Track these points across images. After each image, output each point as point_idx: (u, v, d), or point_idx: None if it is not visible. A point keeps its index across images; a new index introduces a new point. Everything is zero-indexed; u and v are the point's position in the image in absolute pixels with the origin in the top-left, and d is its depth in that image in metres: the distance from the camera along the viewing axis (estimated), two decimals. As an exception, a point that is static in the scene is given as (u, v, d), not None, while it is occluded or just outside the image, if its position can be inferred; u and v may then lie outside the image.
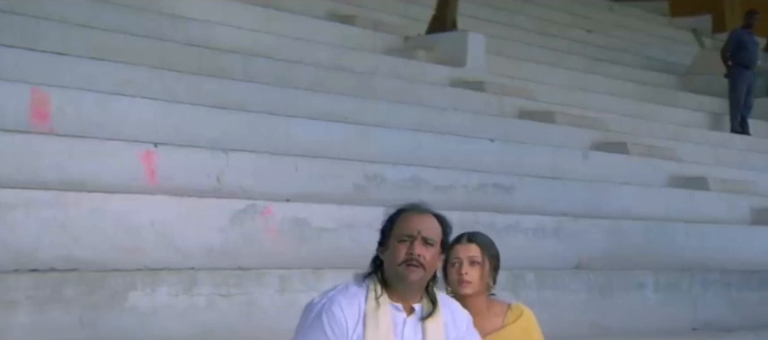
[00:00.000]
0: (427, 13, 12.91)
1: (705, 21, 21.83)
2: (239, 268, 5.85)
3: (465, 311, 3.75)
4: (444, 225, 3.63)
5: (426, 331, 3.54)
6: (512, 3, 17.44)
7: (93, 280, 5.12)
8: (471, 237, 4.14)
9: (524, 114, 11.33)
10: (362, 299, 3.51)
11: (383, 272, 3.55)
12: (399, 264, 3.49)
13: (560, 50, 15.48)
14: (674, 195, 10.65)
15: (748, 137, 14.65)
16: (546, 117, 11.24)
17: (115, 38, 8.37)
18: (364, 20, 12.36)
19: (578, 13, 18.63)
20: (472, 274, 4.04)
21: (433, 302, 3.59)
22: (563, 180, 9.49)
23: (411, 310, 3.56)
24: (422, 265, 3.50)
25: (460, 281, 4.02)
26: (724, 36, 17.59)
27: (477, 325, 3.83)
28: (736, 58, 15.01)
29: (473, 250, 4.08)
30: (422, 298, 3.59)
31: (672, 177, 11.26)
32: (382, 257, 3.57)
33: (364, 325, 3.46)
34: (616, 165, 10.62)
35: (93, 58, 7.74)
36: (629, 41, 18.11)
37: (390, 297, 3.53)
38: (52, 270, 5.17)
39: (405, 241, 3.50)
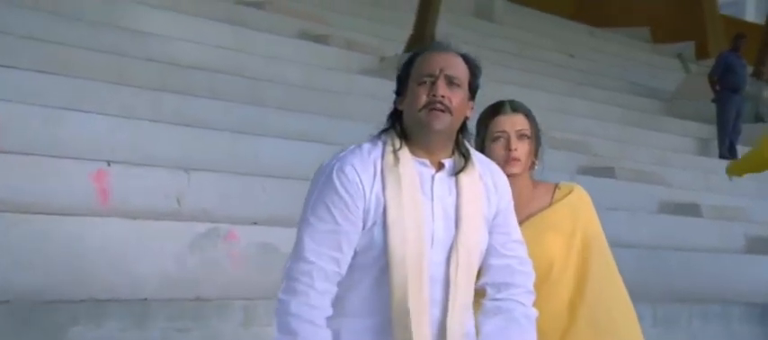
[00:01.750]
0: (404, 33, 12.53)
1: (688, 47, 21.62)
2: (198, 299, 5.30)
3: (505, 178, 3.20)
4: (472, 65, 3.10)
5: (461, 187, 3.04)
6: (491, 25, 17.12)
7: (28, 312, 4.55)
8: (516, 106, 3.59)
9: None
10: (378, 156, 3.01)
11: (403, 126, 3.05)
12: (421, 110, 2.98)
13: (542, 73, 15.08)
14: (664, 222, 10.20)
15: (736, 163, 14.23)
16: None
17: (68, 51, 7.87)
18: (338, 39, 12.00)
19: (559, 38, 18.29)
20: (521, 150, 3.50)
21: (466, 157, 3.08)
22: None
23: (440, 166, 3.05)
24: (448, 109, 2.97)
25: (508, 160, 3.48)
26: (708, 62, 17.32)
27: (519, 207, 3.34)
28: (725, 82, 14.63)
29: (520, 121, 3.54)
30: (453, 152, 3.07)
31: (662, 203, 10.83)
32: (400, 107, 3.06)
33: (383, 181, 2.97)
34: (604, 189, 10.11)
35: (43, 71, 7.21)
36: (612, 66, 17.78)
37: (413, 152, 3.03)
38: (-17, 301, 4.60)
39: (425, 82, 3.00)
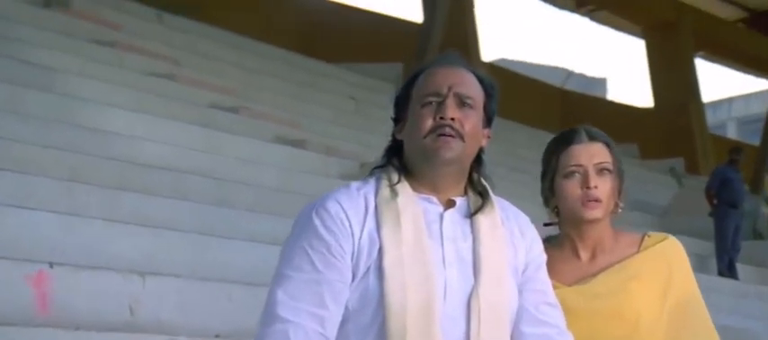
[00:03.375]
0: (385, 141, 11.93)
1: (678, 163, 21.31)
2: None
3: (532, 226, 2.67)
4: (486, 84, 2.58)
5: (479, 231, 2.52)
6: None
7: None
8: (594, 133, 2.93)
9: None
10: (371, 191, 2.53)
11: (402, 159, 2.55)
12: (426, 136, 2.48)
13: (529, 185, 14.47)
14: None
15: (737, 282, 13.63)
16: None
17: (16, 147, 7.21)
18: (316, 145, 11.55)
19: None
20: (603, 188, 2.85)
21: (483, 195, 2.57)
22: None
23: (450, 204, 2.55)
24: (459, 135, 2.48)
25: (586, 201, 2.85)
26: (700, 178, 16.93)
27: (599, 256, 2.87)
28: (722, 197, 14.05)
29: (600, 152, 2.89)
30: (466, 191, 2.58)
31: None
32: (399, 137, 2.55)
33: (377, 218, 2.48)
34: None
35: (-16, 167, 6.55)
36: (601, 180, 17.24)
37: (416, 189, 2.53)
38: None
39: (430, 103, 2.50)
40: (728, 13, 24.55)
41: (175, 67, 12.07)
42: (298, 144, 11.27)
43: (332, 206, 2.46)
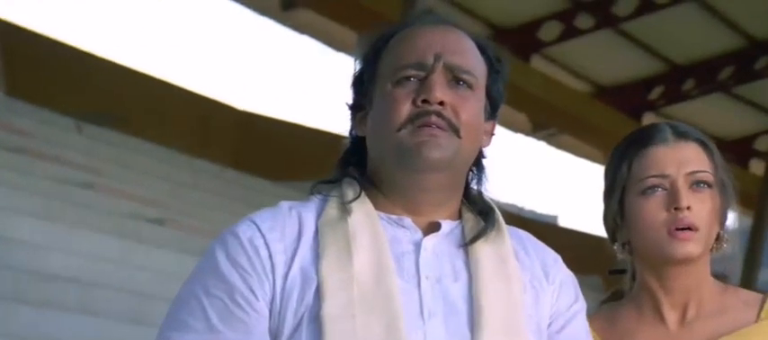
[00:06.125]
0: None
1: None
2: None
3: (560, 259, 1.92)
4: (489, 54, 1.83)
5: (478, 266, 1.78)
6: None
7: None
8: (683, 130, 2.04)
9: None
10: (309, 211, 1.86)
11: (363, 165, 1.89)
12: (400, 128, 1.80)
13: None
14: None
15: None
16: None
17: None
18: None
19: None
20: (700, 210, 1.98)
21: (485, 213, 1.85)
22: None
23: (432, 227, 1.84)
24: (450, 126, 1.78)
25: (675, 229, 2.00)
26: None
27: (698, 315, 2.04)
28: None
29: (695, 156, 2.01)
30: (460, 207, 1.88)
31: None
32: (361, 133, 1.91)
33: (316, 246, 1.77)
34: None
35: None
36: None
37: (382, 207, 1.85)
38: None
39: (408, 80, 1.79)
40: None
41: (94, 177, 11.17)
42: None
43: (245, 230, 1.78)
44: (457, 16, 16.15)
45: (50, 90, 14.35)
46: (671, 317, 2.10)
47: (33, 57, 14.58)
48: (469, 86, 1.80)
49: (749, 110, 20.81)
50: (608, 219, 2.13)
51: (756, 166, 22.32)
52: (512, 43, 16.81)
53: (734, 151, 22.04)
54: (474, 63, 1.82)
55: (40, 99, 13.15)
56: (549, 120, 21.53)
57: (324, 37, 18.75)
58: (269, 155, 17.49)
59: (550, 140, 24.11)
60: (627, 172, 2.07)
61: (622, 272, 2.17)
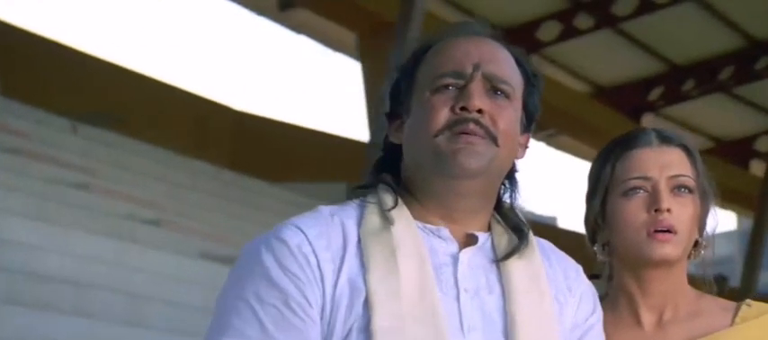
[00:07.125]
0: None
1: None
2: None
3: (583, 273, 1.98)
4: (526, 68, 1.90)
5: (511, 280, 1.84)
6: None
7: None
8: (666, 135, 2.08)
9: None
10: (351, 218, 1.86)
11: (400, 174, 1.89)
12: (438, 134, 1.83)
13: None
14: None
15: None
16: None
17: None
18: None
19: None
20: (681, 214, 2.03)
21: (519, 229, 1.89)
22: None
23: (469, 240, 1.88)
24: (488, 134, 1.81)
25: (655, 231, 2.05)
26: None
27: (674, 319, 2.08)
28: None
29: (677, 160, 2.07)
30: (491, 221, 1.92)
31: None
32: (397, 141, 1.92)
33: (361, 257, 1.79)
34: None
35: None
36: None
37: (419, 216, 1.87)
38: None
39: (447, 88, 1.84)
40: (700, 143, 24.17)
41: (90, 178, 11.20)
42: (226, 261, 10.36)
43: (291, 236, 1.79)
44: (457, 16, 16.17)
45: (46, 90, 14.36)
46: (647, 319, 2.12)
47: (29, 57, 14.61)
48: (507, 96, 1.86)
49: (749, 110, 20.82)
50: (589, 220, 2.16)
51: (757, 167, 22.34)
52: (510, 43, 16.82)
53: (734, 152, 22.05)
54: (511, 74, 1.87)
55: (35, 99, 13.17)
56: (549, 121, 21.52)
57: (321, 37, 18.77)
58: (266, 156, 17.52)
59: (549, 141, 24.12)
60: (610, 173, 2.11)
61: (597, 277, 2.17)
